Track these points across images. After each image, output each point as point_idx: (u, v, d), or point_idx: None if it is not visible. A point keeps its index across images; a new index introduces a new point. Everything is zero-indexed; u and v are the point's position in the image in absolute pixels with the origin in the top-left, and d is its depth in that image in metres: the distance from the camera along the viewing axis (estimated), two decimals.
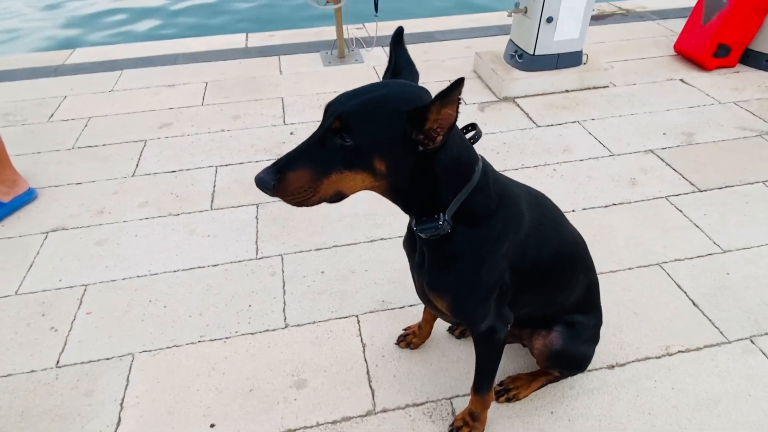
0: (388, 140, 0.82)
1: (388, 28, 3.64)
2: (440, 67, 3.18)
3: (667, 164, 2.27)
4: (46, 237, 1.96)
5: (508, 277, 1.04)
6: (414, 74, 0.94)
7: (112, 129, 2.62)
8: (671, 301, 1.64)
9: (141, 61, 3.34)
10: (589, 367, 1.39)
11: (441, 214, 0.93)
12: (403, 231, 1.20)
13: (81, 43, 4.80)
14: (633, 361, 1.47)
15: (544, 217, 1.09)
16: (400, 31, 0.92)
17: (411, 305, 1.65)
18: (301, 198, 0.82)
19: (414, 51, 3.33)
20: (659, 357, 1.48)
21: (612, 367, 1.45)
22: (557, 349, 1.22)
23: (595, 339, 1.31)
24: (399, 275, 1.75)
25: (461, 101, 0.79)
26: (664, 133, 2.48)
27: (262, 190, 0.81)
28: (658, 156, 2.33)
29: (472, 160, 0.94)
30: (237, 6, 6.06)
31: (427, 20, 3.90)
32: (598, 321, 1.32)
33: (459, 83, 0.74)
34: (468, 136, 0.96)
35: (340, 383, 1.43)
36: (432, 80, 3.00)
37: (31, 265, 1.83)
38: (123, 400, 1.40)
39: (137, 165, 2.35)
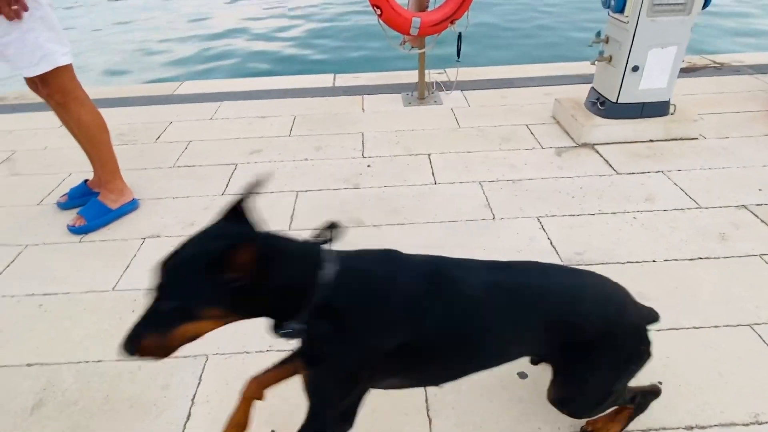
0: (203, 293, 0.86)
1: (468, 74, 3.76)
2: (518, 112, 3.21)
3: (762, 221, 2.12)
4: (143, 242, 2.16)
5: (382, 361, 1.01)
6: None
7: (209, 152, 2.88)
8: (763, 365, 1.51)
9: (238, 95, 3.67)
10: (665, 424, 1.30)
11: (291, 322, 0.94)
12: None
13: (189, 77, 5.35)
14: (716, 425, 1.35)
15: (435, 286, 1.02)
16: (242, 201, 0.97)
17: None
18: (162, 354, 0.90)
19: (492, 96, 3.45)
20: (747, 425, 1.35)
21: (691, 428, 1.34)
22: (555, 398, 1.19)
23: (616, 367, 1.13)
24: None
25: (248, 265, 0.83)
26: (759, 189, 2.33)
27: (127, 357, 0.89)
28: (751, 212, 2.18)
29: (308, 272, 0.93)
30: (327, 48, 6.51)
31: (508, 67, 3.97)
32: (623, 341, 1.12)
33: (234, 247, 0.81)
34: (320, 239, 0.99)
35: (398, 407, 1.44)
36: (509, 123, 3.05)
37: (127, 266, 2.03)
38: (194, 396, 1.49)
39: (227, 185, 2.55)
